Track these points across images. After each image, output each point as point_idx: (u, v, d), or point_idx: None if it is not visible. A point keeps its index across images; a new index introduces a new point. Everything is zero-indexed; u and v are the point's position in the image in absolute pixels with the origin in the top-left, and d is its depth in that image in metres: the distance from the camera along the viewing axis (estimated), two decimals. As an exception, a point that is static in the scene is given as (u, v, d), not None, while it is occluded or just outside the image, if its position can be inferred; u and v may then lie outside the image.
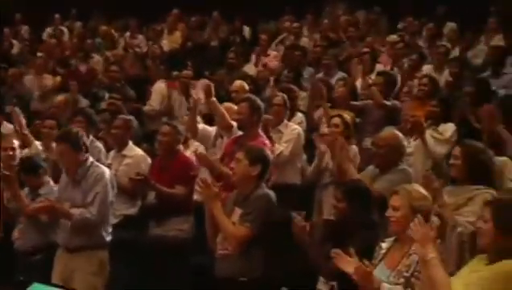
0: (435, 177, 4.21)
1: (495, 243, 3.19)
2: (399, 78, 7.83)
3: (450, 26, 9.50)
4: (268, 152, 4.68)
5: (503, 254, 3.17)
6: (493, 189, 4.23)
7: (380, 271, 3.63)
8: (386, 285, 3.51)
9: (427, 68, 8.04)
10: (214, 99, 5.83)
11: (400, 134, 5.25)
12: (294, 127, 6.17)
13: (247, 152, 4.45)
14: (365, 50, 8.83)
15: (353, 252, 3.59)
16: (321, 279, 4.07)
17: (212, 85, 5.97)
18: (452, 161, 4.42)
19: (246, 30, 11.54)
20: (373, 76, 7.80)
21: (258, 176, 4.40)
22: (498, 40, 8.56)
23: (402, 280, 3.53)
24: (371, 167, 5.18)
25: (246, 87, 7.04)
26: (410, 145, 5.69)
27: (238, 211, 4.36)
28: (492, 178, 4.36)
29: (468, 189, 4.24)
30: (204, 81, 7.22)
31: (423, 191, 3.75)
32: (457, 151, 4.41)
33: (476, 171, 4.28)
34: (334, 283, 3.92)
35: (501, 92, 7.29)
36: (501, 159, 4.95)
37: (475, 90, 6.68)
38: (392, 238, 3.77)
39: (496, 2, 9.93)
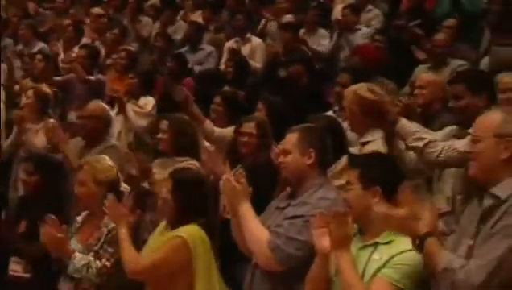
0: (142, 154, 4.32)
1: (173, 212, 3.42)
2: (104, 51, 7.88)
3: (152, 1, 9.69)
4: None
5: (177, 222, 3.40)
6: (196, 160, 4.42)
7: (73, 246, 3.65)
8: (78, 253, 3.56)
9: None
10: None
11: (106, 106, 5.28)
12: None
13: None
14: (68, 22, 8.69)
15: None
16: (14, 258, 3.92)
17: None
18: (160, 135, 4.54)
19: None
20: (76, 49, 7.71)
21: None
22: (197, 16, 8.94)
23: (91, 254, 3.58)
24: (77, 139, 5.14)
25: None
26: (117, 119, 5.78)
27: None
28: (197, 150, 4.56)
29: (176, 161, 4.36)
30: None
31: (107, 162, 3.80)
32: (164, 124, 4.54)
33: (182, 144, 4.45)
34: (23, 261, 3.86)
35: (197, 68, 7.68)
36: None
37: (174, 65, 6.96)
38: (86, 212, 3.80)
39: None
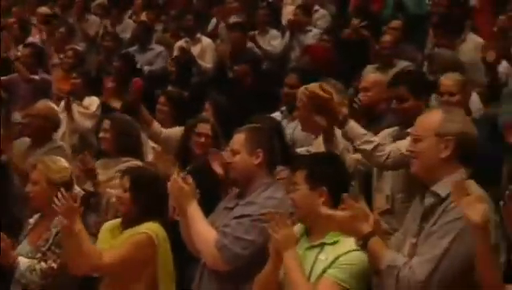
0: (88, 156, 4.26)
1: (130, 211, 3.39)
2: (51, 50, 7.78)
3: (99, 1, 9.59)
4: None
5: (134, 221, 3.38)
6: (140, 161, 4.40)
7: (22, 248, 3.61)
8: (22, 258, 3.50)
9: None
10: None
11: (54, 106, 5.22)
12: None
13: None
14: (12, 20, 8.55)
15: None
16: None
17: None
18: (101, 134, 4.50)
19: None
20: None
21: None
22: (144, 16, 8.87)
23: (39, 255, 3.53)
24: (23, 140, 5.06)
25: None
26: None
27: None
28: (140, 150, 4.53)
29: (119, 161, 4.35)
30: None
31: (63, 163, 3.75)
32: (106, 124, 4.50)
33: (125, 144, 4.41)
34: None
35: (146, 68, 7.63)
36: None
37: (121, 65, 6.91)
38: (38, 215, 3.74)
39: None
